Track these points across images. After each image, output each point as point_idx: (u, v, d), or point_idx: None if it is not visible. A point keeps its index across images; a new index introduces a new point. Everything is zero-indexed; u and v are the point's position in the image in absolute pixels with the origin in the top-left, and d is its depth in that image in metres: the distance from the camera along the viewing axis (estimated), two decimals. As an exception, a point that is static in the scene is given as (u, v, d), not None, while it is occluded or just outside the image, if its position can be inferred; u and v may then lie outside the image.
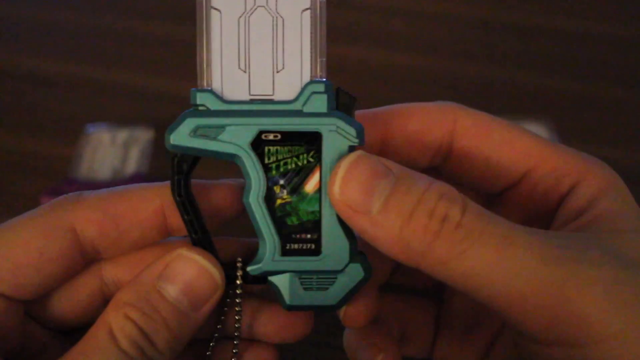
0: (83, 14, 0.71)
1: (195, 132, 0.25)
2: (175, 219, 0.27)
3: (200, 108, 0.25)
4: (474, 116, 0.29)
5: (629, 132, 0.55)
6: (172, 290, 0.25)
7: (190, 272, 0.25)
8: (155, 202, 0.27)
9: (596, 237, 0.24)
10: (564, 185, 0.27)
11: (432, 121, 0.29)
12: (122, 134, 0.52)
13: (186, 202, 0.26)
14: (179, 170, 0.26)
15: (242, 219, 0.28)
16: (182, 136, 0.25)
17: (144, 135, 0.51)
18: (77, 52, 0.65)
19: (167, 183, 0.26)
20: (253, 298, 0.29)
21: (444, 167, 0.30)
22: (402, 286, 0.33)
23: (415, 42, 0.67)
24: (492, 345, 0.30)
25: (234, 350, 0.28)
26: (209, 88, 0.25)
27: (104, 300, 0.28)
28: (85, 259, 0.27)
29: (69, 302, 0.27)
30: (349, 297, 0.26)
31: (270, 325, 0.28)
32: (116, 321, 0.24)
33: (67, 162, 0.50)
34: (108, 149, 0.51)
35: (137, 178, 0.48)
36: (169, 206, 0.26)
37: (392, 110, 0.29)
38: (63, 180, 0.48)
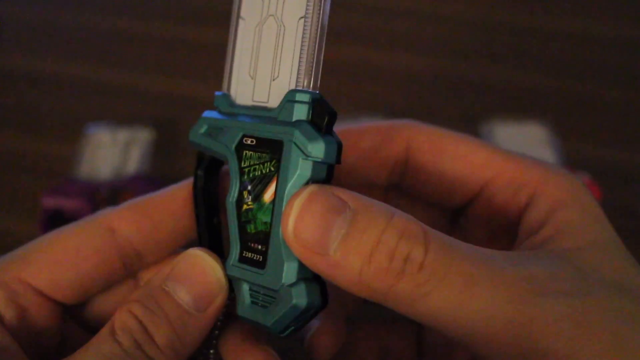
0: (83, 14, 0.71)
1: (206, 131, 0.26)
2: None
3: (217, 110, 0.27)
4: (427, 132, 0.29)
5: (629, 132, 0.55)
6: (177, 289, 0.25)
7: (196, 271, 0.25)
8: (183, 191, 0.28)
9: (560, 256, 0.23)
10: (522, 196, 0.27)
11: (385, 139, 0.29)
12: (123, 134, 0.52)
13: (199, 197, 0.26)
14: (198, 164, 0.27)
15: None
16: (196, 134, 0.27)
17: (144, 135, 0.51)
18: (77, 52, 0.65)
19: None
20: (238, 330, 0.28)
21: (402, 184, 0.30)
22: (380, 310, 0.33)
23: (415, 42, 0.67)
24: None
25: None
26: (226, 92, 0.27)
27: None
28: (125, 261, 0.27)
29: (106, 305, 0.28)
30: (285, 323, 0.24)
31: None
32: (119, 316, 0.24)
33: (67, 162, 0.50)
34: (108, 149, 0.51)
35: (138, 178, 0.48)
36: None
37: (346, 130, 0.29)
38: (63, 180, 0.48)
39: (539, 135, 0.52)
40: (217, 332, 0.27)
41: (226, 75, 0.27)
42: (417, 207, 0.31)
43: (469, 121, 0.55)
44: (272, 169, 0.24)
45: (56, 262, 0.26)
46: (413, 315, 0.22)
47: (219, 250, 0.26)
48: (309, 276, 0.24)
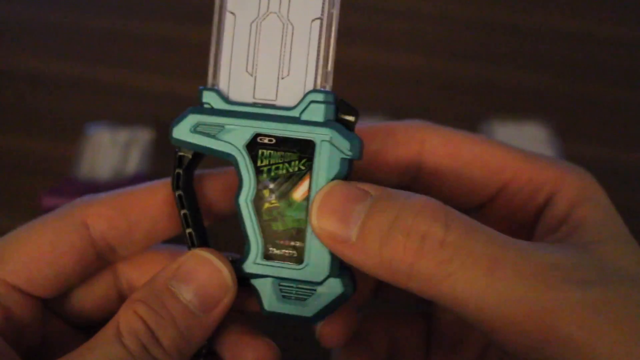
0: (83, 14, 0.71)
1: (196, 129, 0.26)
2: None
3: (205, 106, 0.26)
4: (442, 134, 0.29)
5: (629, 132, 0.55)
6: (183, 290, 0.24)
7: (203, 272, 0.25)
8: (163, 192, 0.27)
9: (582, 248, 0.24)
10: (540, 196, 0.27)
11: (398, 140, 0.29)
12: (123, 134, 0.52)
13: (182, 197, 0.26)
14: (179, 164, 0.26)
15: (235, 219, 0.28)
16: (183, 131, 0.26)
17: (144, 135, 0.51)
18: (77, 52, 0.65)
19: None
20: (237, 322, 0.28)
21: (414, 186, 0.30)
22: (390, 302, 0.33)
23: (415, 42, 0.67)
24: (483, 357, 0.30)
25: None
26: (216, 87, 0.26)
27: (120, 297, 0.28)
28: (99, 255, 0.27)
29: (86, 299, 0.28)
30: (327, 312, 0.26)
31: (239, 355, 0.27)
32: (124, 317, 0.24)
33: (67, 162, 0.50)
34: (108, 149, 0.51)
35: (138, 178, 0.48)
36: None
37: (357, 129, 0.29)
38: (63, 180, 0.48)
39: (539, 135, 0.52)
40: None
41: (213, 70, 0.26)
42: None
43: (469, 121, 0.55)
44: (302, 167, 0.25)
45: (32, 258, 0.26)
46: (436, 297, 0.22)
47: (207, 246, 0.26)
48: (342, 267, 0.25)
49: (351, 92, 0.61)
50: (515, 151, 0.28)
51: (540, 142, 0.51)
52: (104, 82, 0.60)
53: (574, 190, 0.26)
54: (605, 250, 0.23)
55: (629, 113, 0.57)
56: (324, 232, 0.23)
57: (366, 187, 0.24)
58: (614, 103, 0.58)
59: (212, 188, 0.28)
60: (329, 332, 0.27)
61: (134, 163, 0.50)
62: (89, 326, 0.28)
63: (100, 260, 0.27)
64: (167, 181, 0.27)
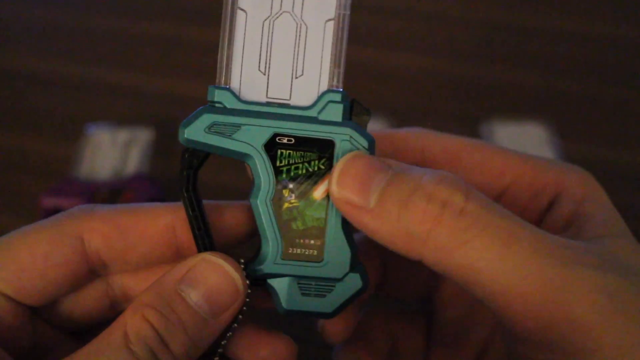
0: (83, 14, 0.71)
1: (211, 129, 0.25)
2: (186, 237, 0.26)
3: (218, 105, 0.25)
4: (442, 142, 0.29)
5: (629, 132, 0.55)
6: (193, 295, 0.24)
7: (213, 277, 0.25)
8: (167, 218, 0.27)
9: (592, 243, 0.24)
10: (543, 199, 0.27)
11: (398, 149, 0.29)
12: (123, 134, 0.51)
13: (192, 198, 0.26)
14: (190, 165, 0.26)
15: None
16: (197, 131, 0.25)
17: (144, 136, 0.51)
18: (77, 52, 0.65)
19: (180, 203, 0.26)
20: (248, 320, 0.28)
21: None
22: (391, 298, 0.33)
23: (415, 42, 0.67)
24: (483, 354, 0.30)
25: None
26: (227, 86, 0.26)
27: (112, 304, 0.28)
28: (92, 270, 0.27)
29: (76, 306, 0.27)
30: (345, 306, 0.26)
31: (256, 353, 0.27)
32: (132, 322, 0.23)
33: (67, 162, 0.50)
34: (108, 149, 0.51)
35: (138, 178, 0.48)
36: (180, 223, 0.26)
37: None
38: (63, 180, 0.48)
39: (539, 135, 0.52)
40: (230, 333, 0.26)
41: (224, 69, 0.26)
42: (411, 270, 0.31)
43: (469, 121, 0.55)
44: (322, 167, 0.25)
45: (24, 268, 0.25)
46: (449, 266, 0.22)
47: (213, 249, 0.26)
48: (357, 262, 0.26)
49: (351, 92, 0.61)
50: (515, 155, 0.28)
51: (541, 142, 0.51)
52: (104, 82, 0.60)
53: (577, 190, 0.26)
54: (613, 244, 0.24)
55: (629, 113, 0.57)
56: (342, 198, 0.24)
57: (387, 161, 0.24)
58: (614, 103, 0.58)
59: (231, 216, 0.27)
60: (332, 328, 0.28)
61: (133, 163, 0.49)
62: (78, 332, 0.28)
63: (93, 273, 0.27)
64: (170, 206, 0.27)
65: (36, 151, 0.53)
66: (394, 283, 0.32)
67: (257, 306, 0.28)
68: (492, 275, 0.22)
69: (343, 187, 0.24)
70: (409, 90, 0.60)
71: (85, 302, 0.27)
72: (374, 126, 0.52)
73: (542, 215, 0.27)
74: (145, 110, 0.56)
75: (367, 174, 0.23)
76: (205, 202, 0.26)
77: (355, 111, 0.26)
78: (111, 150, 0.50)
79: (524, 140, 0.51)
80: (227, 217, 0.27)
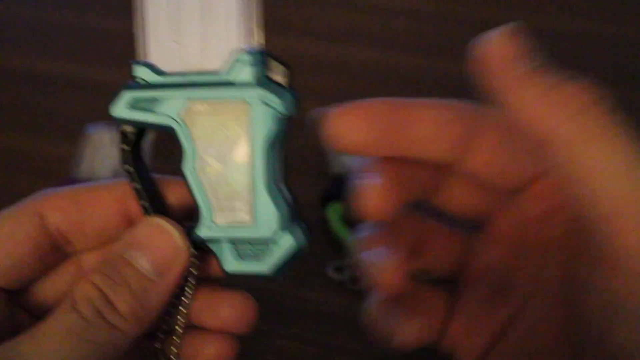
0: (83, 14, 0.71)
1: (133, 105, 0.26)
2: (136, 207, 0.27)
3: (139, 81, 0.26)
4: (494, 114, 0.29)
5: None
6: (137, 256, 0.25)
7: (154, 237, 0.26)
8: (118, 191, 0.28)
9: None
10: None
11: (456, 114, 0.28)
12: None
13: (132, 171, 0.27)
14: (123, 140, 0.27)
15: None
16: (121, 109, 0.26)
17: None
18: (77, 52, 0.65)
19: None
20: (205, 284, 0.28)
21: (459, 163, 0.29)
22: (417, 273, 0.33)
23: (415, 42, 0.67)
24: (502, 336, 0.30)
25: (176, 340, 0.27)
26: (146, 61, 0.26)
27: None
28: (55, 245, 0.27)
29: (50, 291, 0.28)
30: (283, 265, 0.26)
31: (216, 313, 0.28)
32: (79, 287, 0.24)
33: (67, 162, 0.50)
34: (108, 149, 0.51)
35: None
36: (130, 195, 0.27)
37: (418, 102, 0.28)
38: (63, 180, 0.48)
39: (539, 135, 0.52)
40: (188, 296, 0.27)
41: (141, 44, 0.26)
42: (471, 187, 0.30)
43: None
44: (238, 128, 0.25)
45: None
46: (572, 156, 0.22)
47: (167, 217, 0.27)
48: (293, 219, 0.26)
49: (351, 92, 0.61)
50: None
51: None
52: (104, 82, 0.60)
53: None
54: None
55: (629, 113, 0.57)
56: (503, 49, 0.23)
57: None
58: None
59: (174, 192, 0.28)
60: (394, 279, 0.27)
61: (159, 175, 0.49)
62: None
63: (58, 251, 0.28)
64: (124, 181, 0.28)
65: (36, 151, 0.53)
66: (425, 256, 0.31)
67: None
68: (615, 177, 0.22)
69: (510, 40, 0.23)
70: (409, 90, 0.60)
71: (59, 285, 0.28)
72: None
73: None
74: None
75: (532, 47, 0.23)
76: (158, 176, 0.28)
77: (270, 67, 0.25)
78: (111, 150, 0.50)
79: (524, 140, 0.51)
80: (175, 190, 0.28)
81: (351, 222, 0.44)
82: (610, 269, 0.23)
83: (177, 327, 0.27)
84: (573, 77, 0.23)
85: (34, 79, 0.62)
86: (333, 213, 0.44)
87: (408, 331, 0.28)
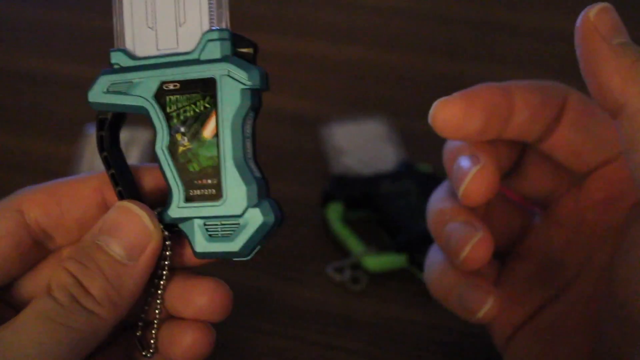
0: (83, 14, 0.71)
1: (109, 89, 0.27)
2: (113, 197, 0.27)
3: (115, 66, 0.27)
4: (582, 96, 0.30)
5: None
6: (109, 241, 0.25)
7: (125, 221, 0.26)
8: (94, 181, 0.28)
9: None
10: None
11: (549, 96, 0.30)
12: (123, 134, 0.51)
13: (108, 158, 0.27)
14: (100, 126, 0.27)
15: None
16: (97, 93, 0.27)
17: (143, 136, 0.51)
18: (77, 52, 0.65)
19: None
20: (180, 272, 0.28)
21: (542, 144, 0.30)
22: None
23: (415, 42, 0.67)
24: (540, 310, 0.30)
25: (153, 330, 0.28)
26: (122, 47, 0.27)
27: None
28: (36, 240, 0.28)
29: (34, 287, 0.28)
30: (253, 243, 0.26)
31: (190, 301, 0.28)
32: (54, 274, 0.25)
33: (67, 162, 0.50)
34: (108, 149, 0.50)
35: (137, 178, 0.48)
36: (107, 186, 0.27)
37: (516, 85, 0.30)
38: (63, 180, 0.48)
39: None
40: (162, 283, 0.27)
41: (117, 31, 0.27)
42: (545, 167, 0.31)
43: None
44: (208, 105, 0.26)
45: None
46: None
47: (141, 202, 0.27)
48: (264, 196, 0.26)
49: (351, 92, 0.61)
50: None
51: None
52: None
53: None
54: None
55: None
56: (596, 22, 0.25)
57: None
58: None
59: (147, 179, 0.29)
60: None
61: (133, 163, 0.49)
62: None
63: (40, 247, 0.28)
64: (100, 172, 0.28)
65: (36, 151, 0.53)
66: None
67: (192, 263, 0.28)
68: None
69: (601, 16, 0.25)
70: (409, 90, 0.60)
71: (43, 281, 0.28)
72: (374, 124, 0.51)
73: None
74: (145, 110, 0.56)
75: (620, 24, 0.26)
76: (134, 164, 0.28)
77: (238, 45, 0.26)
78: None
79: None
80: (152, 175, 0.28)
81: (351, 222, 0.44)
82: None
83: (156, 316, 0.27)
84: None
85: (34, 79, 0.62)
86: (333, 213, 0.44)
87: (492, 305, 0.28)
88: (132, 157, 0.50)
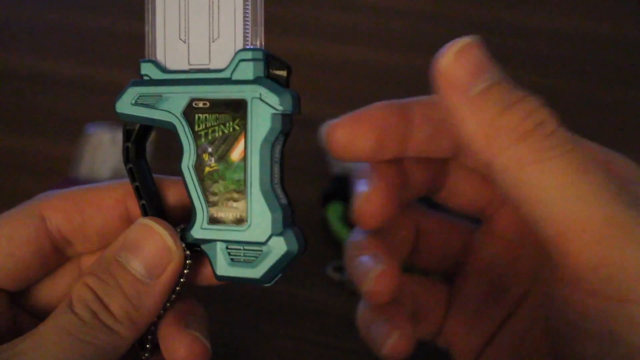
0: (83, 14, 0.71)
1: (137, 101, 0.26)
2: (136, 208, 0.27)
3: (145, 78, 0.26)
4: None
5: (629, 132, 0.55)
6: (130, 259, 0.25)
7: (147, 239, 0.25)
8: (118, 192, 0.28)
9: None
10: None
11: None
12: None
13: (134, 170, 0.27)
14: (127, 137, 0.27)
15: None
16: (125, 104, 0.26)
17: (144, 135, 0.51)
18: (77, 52, 0.65)
19: None
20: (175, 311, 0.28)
21: (461, 158, 0.29)
22: (416, 269, 0.33)
23: (415, 42, 0.67)
24: (499, 330, 0.30)
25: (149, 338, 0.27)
26: (153, 59, 0.27)
27: None
28: (56, 247, 0.27)
29: (52, 293, 0.28)
30: (275, 271, 0.25)
31: (172, 348, 0.27)
32: (75, 289, 0.25)
33: (67, 162, 0.50)
34: (108, 149, 0.51)
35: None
36: (131, 196, 0.27)
37: (417, 101, 0.29)
38: (63, 180, 0.48)
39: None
40: (173, 297, 0.27)
41: (149, 42, 0.27)
42: (474, 181, 0.30)
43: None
44: (237, 127, 0.25)
45: None
46: (517, 180, 0.22)
47: (164, 219, 0.27)
48: (287, 225, 0.25)
49: (351, 92, 0.61)
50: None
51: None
52: (104, 82, 0.60)
53: (624, 168, 0.26)
54: None
55: (629, 113, 0.57)
56: (448, 76, 0.23)
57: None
58: (614, 103, 0.58)
59: (171, 193, 0.28)
60: (377, 289, 0.27)
61: (158, 175, 0.49)
62: None
63: (59, 253, 0.28)
64: (125, 182, 0.28)
65: (36, 151, 0.53)
66: (425, 252, 0.31)
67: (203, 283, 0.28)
68: (557, 198, 0.22)
69: (454, 65, 0.23)
70: (409, 91, 0.60)
71: (60, 287, 0.28)
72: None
73: None
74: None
75: (481, 66, 0.23)
76: (158, 176, 0.28)
77: (271, 67, 0.25)
78: (111, 150, 0.50)
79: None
80: (175, 190, 0.28)
81: (351, 222, 0.44)
82: (568, 287, 0.23)
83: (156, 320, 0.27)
84: (521, 99, 0.23)
85: (34, 79, 0.62)
86: (333, 213, 0.44)
87: (393, 342, 0.28)
88: (132, 157, 0.50)
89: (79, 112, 0.57)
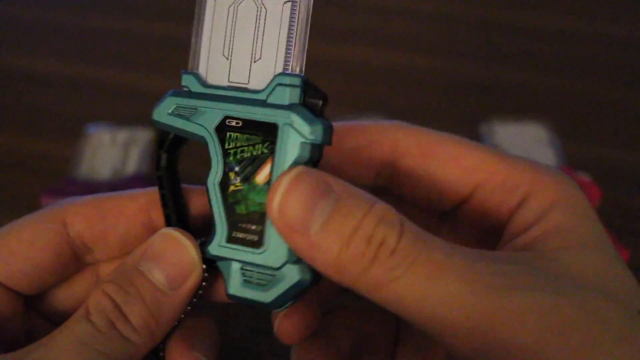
0: (83, 14, 0.71)
1: (174, 111, 0.26)
2: (159, 217, 0.27)
3: (184, 89, 0.26)
4: (416, 134, 0.28)
5: (629, 132, 0.55)
6: (151, 268, 0.25)
7: (170, 250, 0.25)
8: (141, 200, 0.28)
9: (539, 257, 0.23)
10: (513, 198, 0.27)
11: (371, 140, 0.29)
12: (122, 134, 0.52)
13: (162, 178, 0.27)
14: (160, 145, 0.27)
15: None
16: (162, 113, 0.26)
17: (144, 136, 0.51)
18: (77, 52, 0.65)
19: (155, 187, 0.27)
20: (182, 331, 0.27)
21: (390, 186, 0.29)
22: (359, 297, 0.33)
23: (415, 42, 0.67)
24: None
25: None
26: (195, 71, 0.27)
27: None
28: (76, 253, 0.27)
29: (68, 298, 0.28)
30: (285, 298, 0.25)
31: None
32: (93, 297, 0.24)
33: (67, 162, 0.50)
34: (108, 149, 0.51)
35: (137, 178, 0.48)
36: (154, 205, 0.27)
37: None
38: (63, 180, 0.48)
39: (539, 135, 0.52)
40: (188, 308, 0.27)
41: (193, 54, 0.27)
42: (405, 208, 0.30)
43: (469, 121, 0.55)
44: (265, 150, 0.25)
45: (11, 253, 0.26)
46: (380, 300, 0.22)
47: (187, 230, 0.27)
48: None
49: (351, 92, 0.61)
50: (491, 152, 0.28)
51: (540, 142, 0.51)
52: (104, 82, 0.60)
53: (548, 193, 0.25)
54: (568, 257, 0.23)
55: (629, 113, 0.57)
56: (282, 218, 0.23)
57: (330, 180, 0.23)
58: (614, 103, 0.58)
59: (194, 201, 0.28)
60: (287, 327, 0.27)
61: (133, 163, 0.49)
62: None
63: (78, 259, 0.28)
64: (148, 191, 0.28)
65: (36, 151, 0.53)
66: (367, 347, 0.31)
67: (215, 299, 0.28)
68: (419, 308, 0.22)
69: (285, 208, 0.22)
70: (410, 91, 0.60)
71: (77, 293, 0.28)
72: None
73: (512, 214, 0.27)
74: (145, 110, 0.56)
75: (312, 198, 0.22)
76: (186, 186, 0.28)
77: (308, 95, 0.25)
78: (111, 150, 0.50)
79: (523, 141, 0.51)
80: (197, 200, 0.28)
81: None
82: None
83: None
84: (361, 219, 0.22)
85: (34, 79, 0.62)
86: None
87: None
88: (132, 157, 0.50)
89: (79, 112, 0.57)
